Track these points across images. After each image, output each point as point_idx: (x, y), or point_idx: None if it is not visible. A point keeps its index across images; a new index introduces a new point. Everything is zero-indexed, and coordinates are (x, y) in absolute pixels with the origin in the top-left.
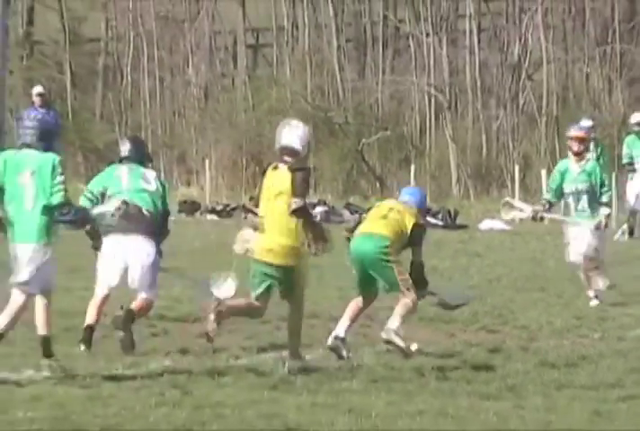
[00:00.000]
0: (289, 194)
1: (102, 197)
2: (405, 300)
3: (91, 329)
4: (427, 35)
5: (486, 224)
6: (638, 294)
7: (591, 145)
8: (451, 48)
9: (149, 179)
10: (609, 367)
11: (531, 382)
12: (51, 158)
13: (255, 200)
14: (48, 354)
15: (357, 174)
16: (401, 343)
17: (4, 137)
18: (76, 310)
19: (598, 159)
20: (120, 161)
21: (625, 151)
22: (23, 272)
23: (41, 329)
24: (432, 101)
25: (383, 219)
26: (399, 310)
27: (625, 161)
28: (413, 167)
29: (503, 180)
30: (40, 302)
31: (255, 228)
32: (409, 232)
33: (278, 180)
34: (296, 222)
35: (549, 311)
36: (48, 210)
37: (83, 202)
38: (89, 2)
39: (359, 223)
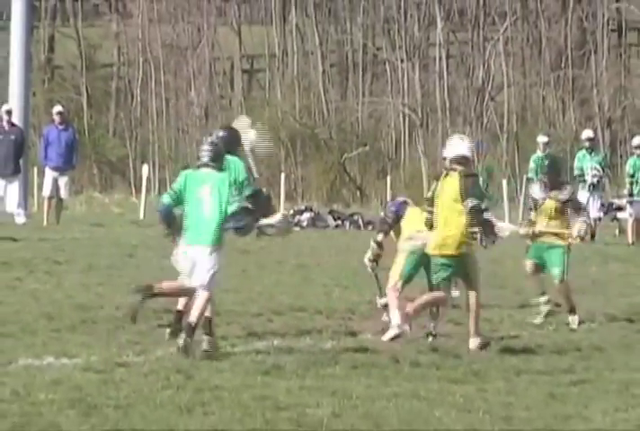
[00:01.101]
0: (461, 196)
1: None
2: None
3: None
4: (402, 61)
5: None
6: (587, 291)
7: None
8: (423, 72)
9: None
10: (563, 355)
11: (494, 367)
12: (226, 176)
13: (429, 201)
14: (188, 334)
15: (339, 184)
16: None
17: (28, 151)
18: (92, 304)
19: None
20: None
21: (576, 164)
22: (199, 271)
23: (192, 317)
24: (406, 119)
25: None
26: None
27: (576, 173)
28: (389, 178)
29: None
30: (202, 295)
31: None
32: None
33: (451, 184)
34: (464, 219)
35: (509, 305)
36: (221, 218)
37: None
38: (103, 31)
39: None
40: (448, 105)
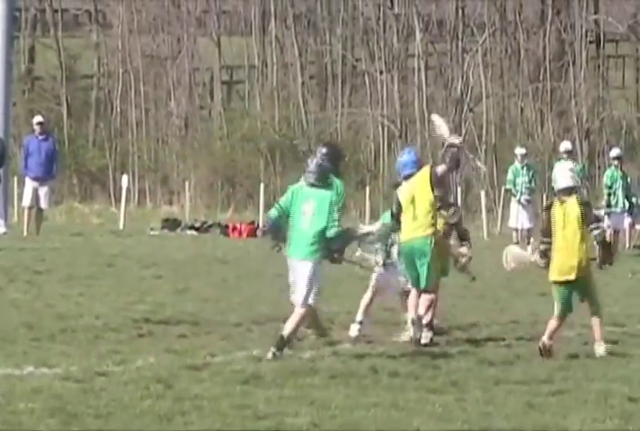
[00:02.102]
0: (583, 222)
1: None
2: None
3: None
4: (380, 72)
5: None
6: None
7: (526, 170)
8: (402, 83)
9: None
10: (541, 365)
11: (472, 378)
12: (329, 194)
13: (546, 232)
14: (279, 347)
15: None
16: None
17: (9, 162)
18: (72, 314)
19: (530, 182)
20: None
21: (554, 175)
22: (299, 286)
23: (285, 330)
24: (385, 130)
25: None
26: None
27: (554, 184)
28: (367, 189)
29: (447, 200)
30: (299, 311)
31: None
32: None
33: (572, 213)
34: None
35: (487, 315)
36: (321, 235)
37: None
38: (83, 42)
39: None
40: (426, 116)
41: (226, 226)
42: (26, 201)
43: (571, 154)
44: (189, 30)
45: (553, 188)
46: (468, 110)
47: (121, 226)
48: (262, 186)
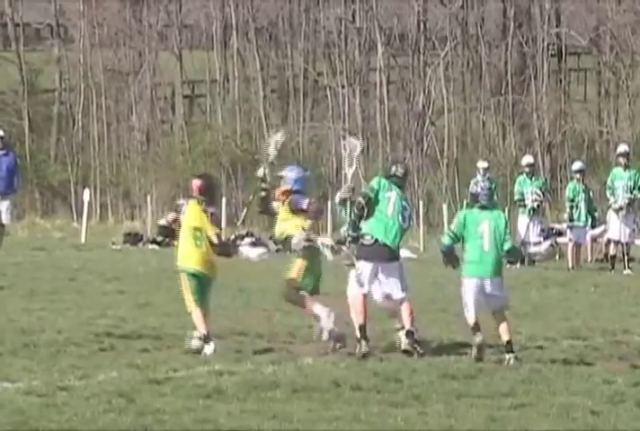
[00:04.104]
0: None
1: None
2: None
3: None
4: (342, 86)
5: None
6: (527, 316)
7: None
8: (363, 97)
9: None
10: (503, 379)
11: (434, 391)
12: (500, 213)
13: None
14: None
15: None
16: None
17: None
18: (34, 328)
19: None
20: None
21: (516, 189)
22: (494, 300)
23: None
24: (346, 145)
25: None
26: None
27: (516, 197)
28: (329, 203)
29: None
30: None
31: None
32: None
33: None
34: None
35: (450, 328)
36: (500, 251)
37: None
38: (45, 56)
39: None
40: (388, 130)
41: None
42: None
43: (533, 168)
44: (150, 44)
45: (515, 202)
46: (430, 124)
47: (83, 241)
48: (223, 200)
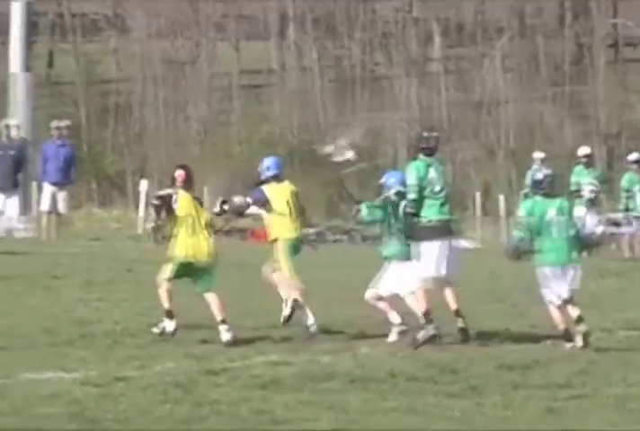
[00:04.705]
0: None
1: None
2: None
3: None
4: (399, 77)
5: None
6: (584, 306)
7: None
8: (421, 88)
9: None
10: (560, 370)
11: (491, 382)
12: (564, 201)
13: None
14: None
15: (338, 200)
16: None
17: (28, 166)
18: (91, 319)
19: None
20: None
21: (572, 180)
22: (563, 289)
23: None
24: (404, 135)
25: None
26: None
27: (573, 188)
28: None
29: (466, 205)
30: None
31: None
32: None
33: None
34: None
35: (506, 320)
36: (570, 238)
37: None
38: (102, 47)
39: None
40: (445, 120)
41: (245, 230)
42: (44, 206)
43: (589, 159)
44: (207, 35)
45: (572, 193)
46: (487, 115)
47: (140, 231)
48: None
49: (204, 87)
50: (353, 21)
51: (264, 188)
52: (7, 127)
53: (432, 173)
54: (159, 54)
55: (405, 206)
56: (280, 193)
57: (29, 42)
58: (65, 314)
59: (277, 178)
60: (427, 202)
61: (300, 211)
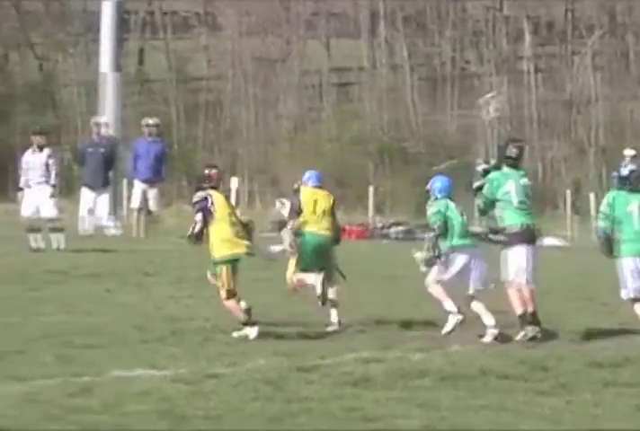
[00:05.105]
0: None
1: None
2: None
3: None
4: (490, 75)
5: (545, 241)
6: None
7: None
8: (511, 86)
9: None
10: None
11: (581, 380)
12: None
13: None
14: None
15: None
16: None
17: (117, 164)
18: (181, 316)
19: None
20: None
21: None
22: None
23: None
24: (495, 132)
25: None
26: None
27: None
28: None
29: (556, 203)
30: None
31: None
32: None
33: None
34: None
35: (596, 317)
36: None
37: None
38: (193, 44)
39: None
40: (535, 118)
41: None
42: (135, 203)
43: None
44: (298, 33)
45: None
46: (578, 113)
47: None
48: (371, 188)
49: (294, 85)
50: (444, 19)
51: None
52: (97, 124)
53: (510, 187)
54: (250, 51)
55: (478, 206)
56: (311, 196)
57: (120, 40)
58: (156, 311)
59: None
60: (508, 211)
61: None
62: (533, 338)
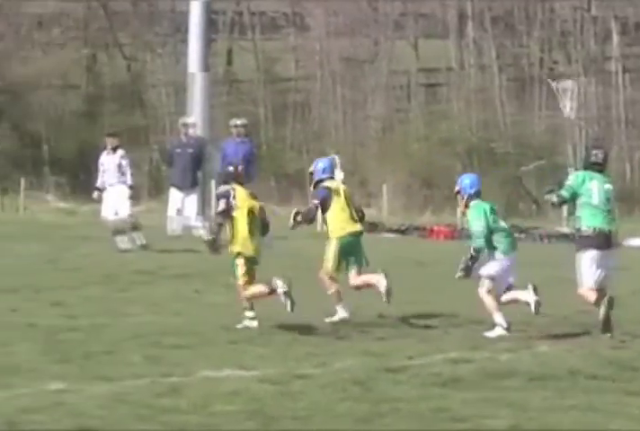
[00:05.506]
0: None
1: None
2: None
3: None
4: (578, 75)
5: (632, 242)
6: None
7: None
8: (600, 86)
9: None
10: None
11: None
12: None
13: None
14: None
15: (516, 198)
16: None
17: (205, 164)
18: (270, 317)
19: None
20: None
21: None
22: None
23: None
24: (583, 133)
25: None
26: None
27: None
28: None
29: None
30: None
31: None
32: None
33: None
34: None
35: None
36: None
37: None
38: (281, 44)
39: None
40: (624, 119)
41: (425, 229)
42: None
43: None
44: (386, 33)
45: None
46: None
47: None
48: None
49: (383, 85)
50: (532, 19)
51: (325, 185)
52: (185, 125)
53: (593, 186)
54: (338, 52)
55: (551, 201)
56: (336, 190)
57: (208, 41)
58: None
59: (331, 179)
60: (587, 211)
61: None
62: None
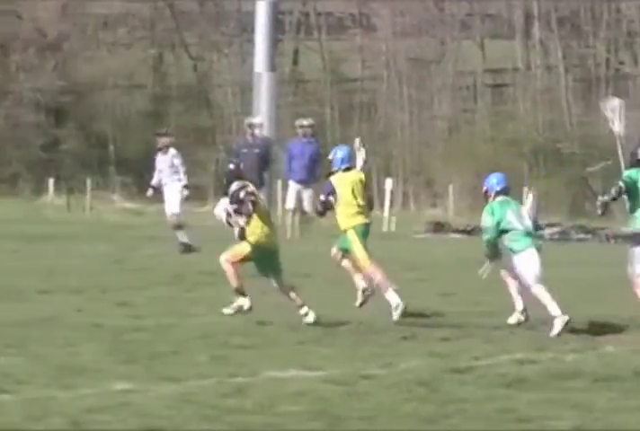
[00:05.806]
0: None
1: None
2: None
3: None
4: None
5: None
6: None
7: None
8: None
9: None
10: None
11: None
12: None
13: None
14: None
15: (582, 198)
16: None
17: (271, 165)
18: (336, 317)
19: None
20: None
21: None
22: None
23: None
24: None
25: None
26: None
27: None
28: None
29: None
30: None
31: None
32: None
33: None
34: None
35: None
36: None
37: None
38: (347, 45)
39: None
40: None
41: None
42: (290, 204)
43: None
44: (453, 33)
45: None
46: None
47: (385, 229)
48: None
49: (449, 86)
50: (598, 20)
51: (332, 179)
52: (251, 125)
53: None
54: (404, 52)
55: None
56: (345, 182)
57: (274, 41)
58: (315, 311)
59: (348, 169)
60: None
61: (367, 199)
62: None
